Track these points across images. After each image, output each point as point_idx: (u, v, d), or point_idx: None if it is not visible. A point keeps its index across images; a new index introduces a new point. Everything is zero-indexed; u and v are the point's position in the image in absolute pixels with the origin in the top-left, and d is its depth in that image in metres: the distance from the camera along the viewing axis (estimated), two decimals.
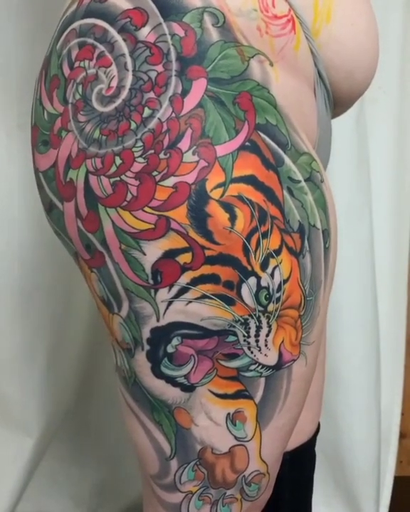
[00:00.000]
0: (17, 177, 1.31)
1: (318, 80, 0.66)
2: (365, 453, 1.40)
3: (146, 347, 0.59)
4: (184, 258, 0.56)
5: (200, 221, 0.55)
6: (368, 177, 1.37)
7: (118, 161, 0.55)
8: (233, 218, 0.56)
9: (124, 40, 0.56)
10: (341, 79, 0.69)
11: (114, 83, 0.56)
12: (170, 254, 0.56)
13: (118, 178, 0.55)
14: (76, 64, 0.58)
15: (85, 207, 0.58)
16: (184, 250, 0.56)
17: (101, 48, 0.57)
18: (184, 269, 0.56)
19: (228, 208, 0.55)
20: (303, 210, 0.60)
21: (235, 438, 0.62)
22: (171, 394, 0.61)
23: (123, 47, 0.56)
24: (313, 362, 0.67)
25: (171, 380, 0.60)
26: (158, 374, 0.60)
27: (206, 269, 0.56)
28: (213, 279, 0.56)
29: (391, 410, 1.50)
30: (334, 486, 1.44)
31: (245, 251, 0.56)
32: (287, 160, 0.59)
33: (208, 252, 0.56)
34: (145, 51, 0.55)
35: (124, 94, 0.55)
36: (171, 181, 0.55)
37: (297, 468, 0.91)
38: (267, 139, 0.57)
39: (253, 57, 0.57)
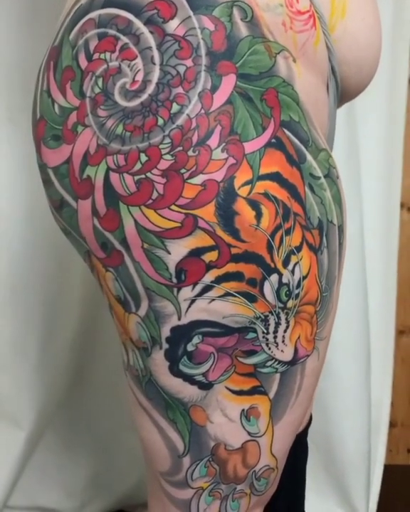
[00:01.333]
0: (6, 170, 1.28)
1: (330, 75, 0.66)
2: (356, 443, 1.43)
3: (165, 346, 0.59)
4: (210, 256, 0.55)
5: (227, 219, 0.54)
6: (358, 169, 1.38)
7: (143, 158, 0.54)
8: (259, 216, 0.55)
9: (151, 32, 0.54)
10: (351, 74, 0.69)
11: (139, 77, 0.54)
12: (196, 253, 0.55)
13: (143, 176, 0.54)
14: (95, 56, 0.55)
15: (103, 205, 0.56)
16: (210, 248, 0.55)
17: (125, 39, 0.54)
18: (209, 267, 0.55)
19: (254, 205, 0.55)
20: (322, 207, 0.60)
21: (249, 434, 0.63)
22: (188, 392, 0.60)
23: (150, 40, 0.54)
24: (324, 357, 0.67)
25: (189, 379, 0.60)
26: (176, 373, 0.59)
27: (231, 267, 0.56)
28: (237, 276, 0.56)
29: (381, 400, 1.52)
30: (326, 476, 1.47)
31: (269, 248, 0.56)
32: (309, 157, 0.59)
33: (234, 250, 0.55)
34: (174, 45, 0.53)
35: (151, 88, 0.53)
36: (199, 179, 0.54)
37: (293, 458, 0.92)
38: (291, 136, 0.57)
39: (279, 53, 0.57)
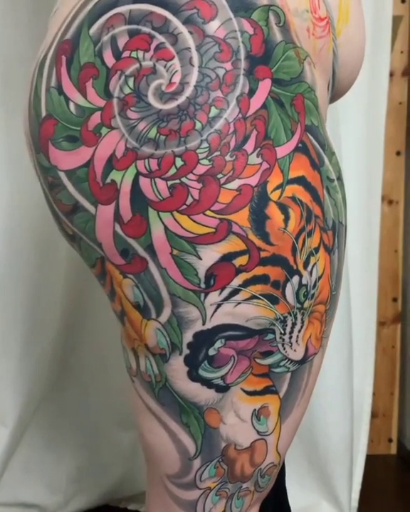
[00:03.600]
0: None
1: (331, 79, 0.67)
2: (338, 433, 1.45)
3: (186, 351, 0.58)
4: (241, 260, 0.55)
5: (259, 223, 0.54)
6: (340, 163, 1.38)
7: (179, 162, 0.52)
8: (287, 219, 0.56)
9: (191, 32, 0.52)
10: (346, 76, 0.71)
11: (176, 79, 0.52)
12: (228, 258, 0.55)
13: (177, 181, 0.52)
14: (125, 54, 0.52)
15: (129, 211, 0.54)
16: (241, 253, 0.55)
17: (160, 38, 0.52)
18: (239, 271, 0.55)
19: (283, 209, 0.55)
20: (336, 208, 0.62)
21: (258, 432, 0.63)
22: (205, 396, 0.60)
23: (189, 40, 0.52)
24: (325, 353, 0.68)
25: (207, 383, 0.59)
26: (194, 377, 0.59)
27: (259, 270, 0.56)
28: (263, 279, 0.56)
29: (363, 391, 1.54)
30: (308, 467, 1.48)
31: (293, 250, 0.57)
32: (326, 160, 0.60)
33: (263, 254, 0.55)
34: (214, 47, 0.52)
35: (189, 91, 0.52)
36: (235, 184, 0.53)
37: None
38: (313, 140, 0.58)
39: (305, 59, 0.57)
